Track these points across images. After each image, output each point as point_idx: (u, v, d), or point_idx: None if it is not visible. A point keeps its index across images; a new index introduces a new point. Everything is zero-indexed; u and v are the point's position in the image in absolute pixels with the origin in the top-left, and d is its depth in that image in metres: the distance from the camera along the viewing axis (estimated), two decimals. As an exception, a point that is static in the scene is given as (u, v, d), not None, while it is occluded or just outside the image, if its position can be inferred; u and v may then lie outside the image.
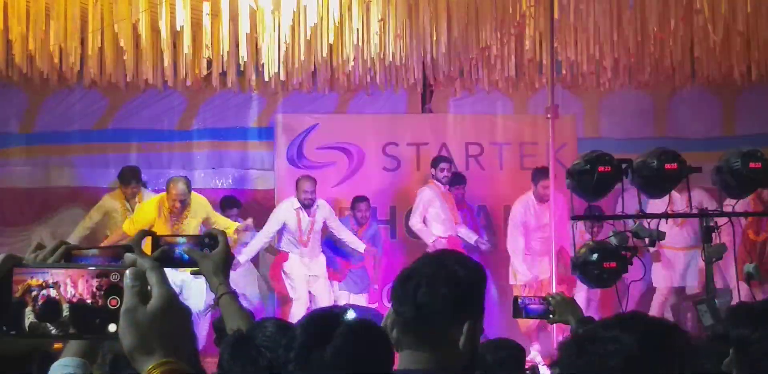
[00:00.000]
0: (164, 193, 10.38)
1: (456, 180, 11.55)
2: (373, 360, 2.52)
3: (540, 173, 10.59)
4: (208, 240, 2.98)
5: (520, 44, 10.51)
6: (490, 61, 10.99)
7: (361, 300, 11.11)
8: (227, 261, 3.03)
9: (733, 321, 2.98)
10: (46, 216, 11.58)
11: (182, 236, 2.95)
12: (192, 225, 10.30)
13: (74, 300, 1.62)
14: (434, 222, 11.16)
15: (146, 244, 2.80)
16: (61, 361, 2.40)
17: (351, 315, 2.66)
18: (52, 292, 1.62)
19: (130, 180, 10.91)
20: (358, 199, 11.34)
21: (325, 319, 2.59)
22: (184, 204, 10.27)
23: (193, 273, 2.98)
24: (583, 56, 10.48)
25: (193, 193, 10.48)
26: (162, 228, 10.11)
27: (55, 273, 1.63)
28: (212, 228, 2.93)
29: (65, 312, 1.62)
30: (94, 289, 1.63)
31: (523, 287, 10.78)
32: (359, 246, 11.03)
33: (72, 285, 1.63)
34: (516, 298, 4.69)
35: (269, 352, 2.97)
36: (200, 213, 10.42)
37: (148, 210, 10.37)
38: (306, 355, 2.47)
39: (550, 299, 4.54)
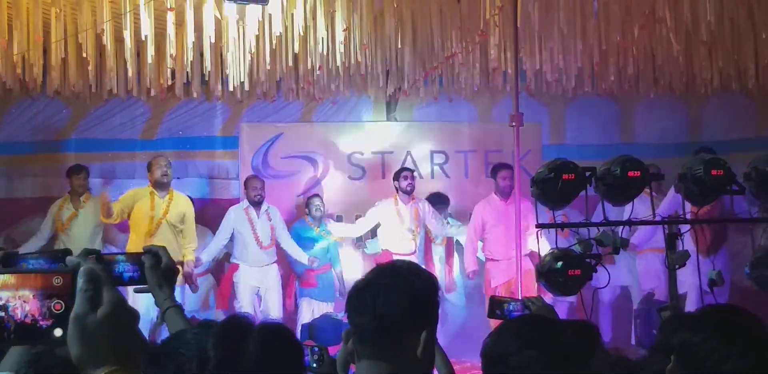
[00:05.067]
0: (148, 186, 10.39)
1: (439, 200, 11.58)
2: (288, 362, 2.53)
3: (498, 167, 10.92)
4: (149, 256, 2.93)
5: (484, 53, 10.55)
6: (454, 70, 11.01)
7: (327, 308, 11.08)
8: (171, 275, 3.01)
9: (672, 329, 3.01)
10: (10, 227, 11.48)
11: (121, 254, 2.91)
12: (173, 215, 10.28)
13: (27, 321, 1.59)
14: (387, 238, 11.16)
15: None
16: None
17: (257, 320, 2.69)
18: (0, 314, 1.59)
19: (80, 171, 10.93)
20: (312, 197, 11.41)
21: (236, 328, 2.60)
22: (168, 180, 10.29)
23: (136, 291, 2.94)
24: (547, 64, 10.52)
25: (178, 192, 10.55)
26: (143, 212, 10.13)
27: (4, 295, 1.60)
28: (151, 245, 2.85)
29: (12, 335, 1.60)
30: (45, 309, 1.61)
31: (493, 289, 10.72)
32: (302, 257, 11.01)
33: (21, 307, 1.59)
34: (492, 298, 4.64)
35: (182, 357, 2.95)
36: (181, 206, 10.40)
37: (134, 193, 10.37)
38: (223, 367, 2.48)
39: (529, 304, 4.48)
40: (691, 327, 2.90)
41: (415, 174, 11.42)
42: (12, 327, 1.59)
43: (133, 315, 1.67)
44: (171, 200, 10.27)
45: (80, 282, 1.61)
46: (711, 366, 2.79)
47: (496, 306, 4.59)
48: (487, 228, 10.92)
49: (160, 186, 10.25)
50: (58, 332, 1.60)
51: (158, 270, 2.91)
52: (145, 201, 10.20)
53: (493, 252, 10.91)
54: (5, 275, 1.62)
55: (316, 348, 4.28)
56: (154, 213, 10.17)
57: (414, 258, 10.73)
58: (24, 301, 1.60)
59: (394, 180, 11.26)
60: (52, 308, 1.60)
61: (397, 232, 11.08)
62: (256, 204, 10.92)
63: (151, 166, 10.38)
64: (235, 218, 10.90)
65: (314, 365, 4.24)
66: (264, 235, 10.85)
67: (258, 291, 10.92)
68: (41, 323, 1.60)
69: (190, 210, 10.45)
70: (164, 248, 3.01)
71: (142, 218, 10.15)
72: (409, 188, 11.08)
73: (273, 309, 10.84)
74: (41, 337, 1.61)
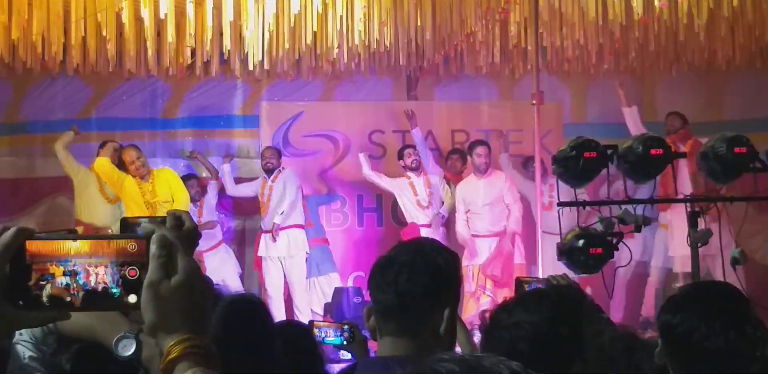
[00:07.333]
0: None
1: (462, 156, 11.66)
2: (253, 334, 2.52)
3: (473, 145, 11.11)
4: (170, 219, 2.90)
5: (504, 30, 10.49)
6: (475, 48, 10.96)
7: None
8: (191, 239, 2.99)
9: (659, 310, 3.04)
10: (33, 206, 11.51)
11: (144, 218, 2.88)
12: (162, 194, 10.34)
13: (98, 288, 1.59)
14: (412, 212, 11.25)
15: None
16: None
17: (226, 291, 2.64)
18: (67, 281, 1.59)
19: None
20: None
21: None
22: (146, 170, 10.35)
23: None
24: (568, 41, 10.46)
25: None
26: (134, 199, 10.19)
27: (78, 262, 1.60)
28: (174, 209, 2.82)
29: (77, 304, 1.59)
30: (119, 275, 1.60)
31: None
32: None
33: (94, 274, 1.59)
34: (519, 280, 4.60)
35: None
36: (162, 184, 10.43)
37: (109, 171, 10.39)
38: None
39: (554, 282, 4.44)
40: (670, 309, 2.92)
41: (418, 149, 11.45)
42: (79, 295, 1.59)
43: (207, 284, 1.66)
44: (153, 181, 10.29)
45: (153, 248, 1.62)
46: (693, 345, 2.82)
47: (520, 287, 4.54)
48: (470, 207, 10.98)
49: (140, 176, 10.30)
50: (132, 298, 1.60)
51: (179, 233, 2.90)
52: (134, 189, 10.21)
53: (476, 228, 10.95)
54: (79, 242, 1.62)
55: (347, 327, 4.27)
56: (146, 198, 10.21)
57: (432, 230, 10.85)
58: (97, 268, 1.60)
59: (399, 159, 11.39)
60: (127, 274, 1.60)
61: (412, 204, 11.20)
62: (268, 171, 11.12)
63: (123, 161, 10.39)
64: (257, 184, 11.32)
65: (344, 342, 4.24)
66: (276, 199, 10.97)
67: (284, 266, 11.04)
68: (114, 290, 1.60)
69: (174, 180, 10.53)
70: (187, 212, 3.00)
71: (136, 204, 10.15)
72: (414, 164, 11.22)
73: (297, 282, 11.01)
74: (113, 304, 1.62)
